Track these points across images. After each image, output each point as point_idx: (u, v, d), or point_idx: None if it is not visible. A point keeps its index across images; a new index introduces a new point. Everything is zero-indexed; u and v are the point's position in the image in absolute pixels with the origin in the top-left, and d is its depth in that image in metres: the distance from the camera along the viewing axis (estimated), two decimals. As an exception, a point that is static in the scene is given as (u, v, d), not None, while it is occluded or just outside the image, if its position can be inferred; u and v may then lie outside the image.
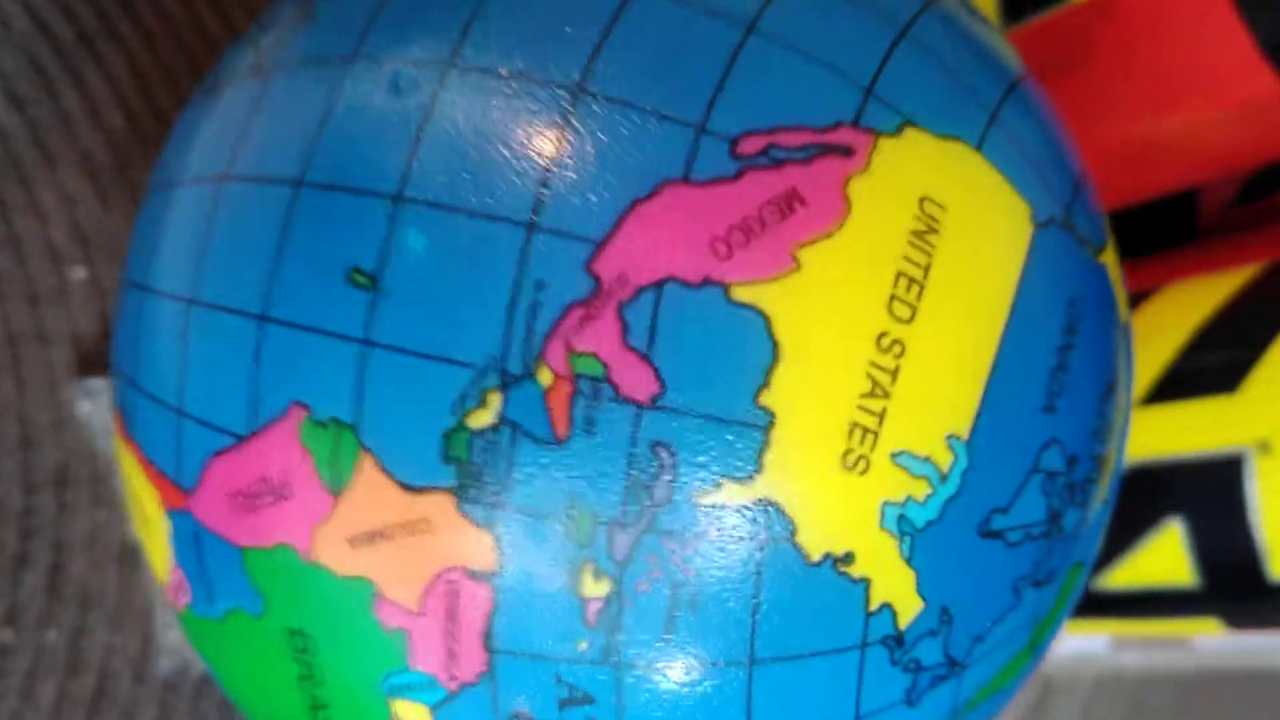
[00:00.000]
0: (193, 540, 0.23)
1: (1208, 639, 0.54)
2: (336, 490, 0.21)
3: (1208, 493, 0.36)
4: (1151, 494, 0.37)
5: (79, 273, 0.41)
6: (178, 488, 0.23)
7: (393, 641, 0.22)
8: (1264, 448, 0.35)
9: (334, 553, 0.21)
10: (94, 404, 0.40)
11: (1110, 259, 0.26)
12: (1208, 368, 0.36)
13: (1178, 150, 0.36)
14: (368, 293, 0.21)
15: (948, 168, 0.22)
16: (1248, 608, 0.37)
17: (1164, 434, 0.37)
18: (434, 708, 0.22)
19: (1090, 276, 0.24)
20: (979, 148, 0.22)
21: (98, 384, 0.40)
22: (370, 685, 0.22)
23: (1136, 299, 0.39)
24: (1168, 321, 0.37)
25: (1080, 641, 0.54)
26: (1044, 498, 0.23)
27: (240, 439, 0.22)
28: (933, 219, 0.21)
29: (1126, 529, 0.38)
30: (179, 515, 0.23)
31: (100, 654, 0.40)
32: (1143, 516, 0.38)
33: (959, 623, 0.23)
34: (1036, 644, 0.25)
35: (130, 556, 0.41)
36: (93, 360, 0.41)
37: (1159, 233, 0.42)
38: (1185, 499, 0.37)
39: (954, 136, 0.22)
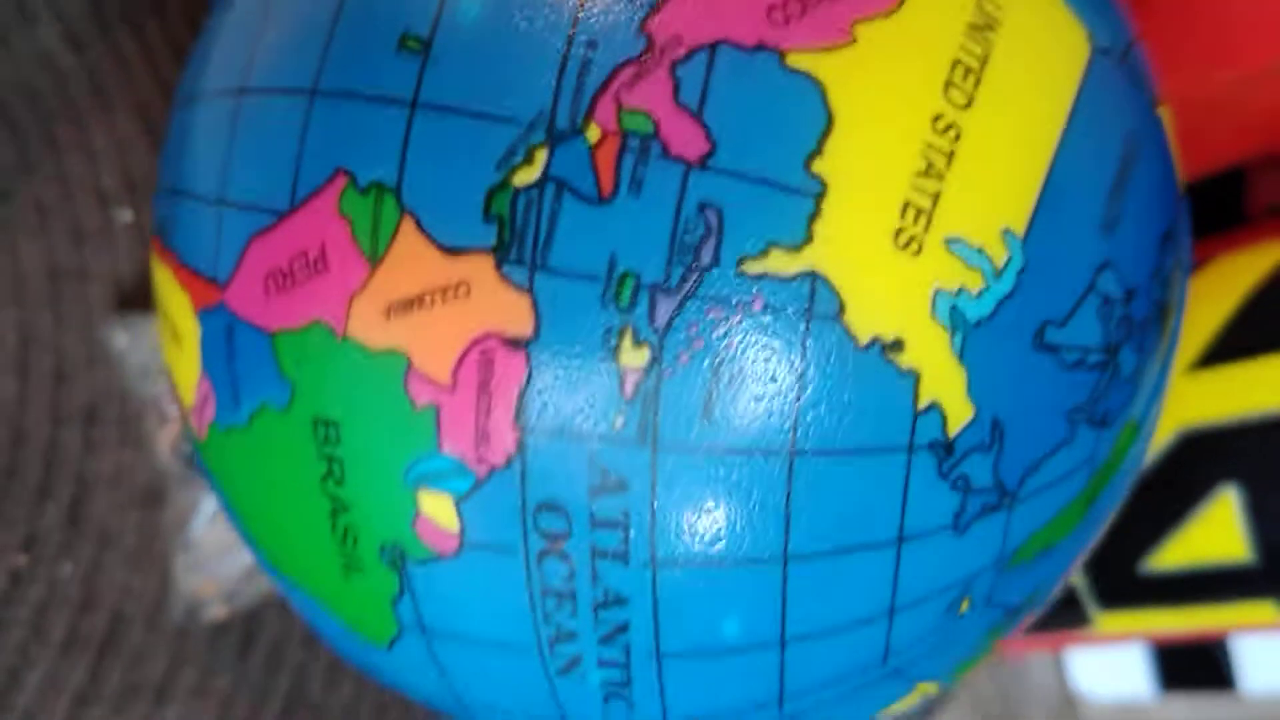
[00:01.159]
0: (224, 336, 0.23)
1: (1260, 685, 0.52)
2: (375, 257, 0.21)
3: (1266, 457, 0.35)
4: (1203, 460, 0.36)
5: (125, 215, 0.41)
6: (213, 283, 0.23)
7: (422, 421, 0.21)
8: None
9: (368, 325, 0.21)
10: (130, 342, 0.40)
11: (1167, 117, 0.25)
12: (1265, 327, 0.35)
13: (1231, 114, 0.36)
14: (418, 57, 0.21)
15: (1004, -25, 0.22)
16: (1308, 586, 0.36)
17: (1217, 396, 0.36)
18: (460, 499, 0.21)
19: (1149, 119, 0.24)
20: (1035, -35, 0.22)
21: (135, 325, 0.40)
22: (396, 475, 0.21)
23: (1187, 269, 0.38)
24: (1219, 288, 0.37)
25: (1122, 678, 0.52)
26: (1100, 324, 0.22)
27: (281, 216, 0.22)
28: (990, 16, 0.21)
29: (1176, 500, 0.37)
30: (211, 313, 0.23)
31: (115, 594, 0.39)
32: (1194, 485, 0.36)
33: (1011, 443, 0.22)
34: (1092, 499, 0.24)
35: (152, 500, 0.40)
36: (131, 303, 0.41)
37: (1208, 219, 0.41)
38: (1241, 465, 0.35)
39: (1011, -50, 0.22)
